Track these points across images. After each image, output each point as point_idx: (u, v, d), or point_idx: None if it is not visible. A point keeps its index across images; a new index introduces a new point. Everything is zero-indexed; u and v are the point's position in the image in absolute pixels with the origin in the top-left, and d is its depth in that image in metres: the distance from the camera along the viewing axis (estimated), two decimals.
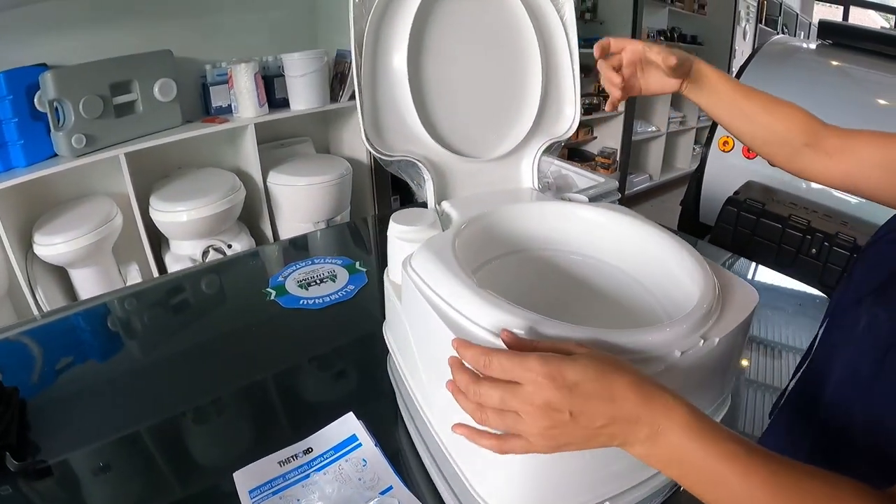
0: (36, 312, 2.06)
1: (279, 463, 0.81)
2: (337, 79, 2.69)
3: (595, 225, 0.89)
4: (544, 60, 0.97)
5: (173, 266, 2.38)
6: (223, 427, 0.95)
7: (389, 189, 2.90)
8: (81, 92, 2.06)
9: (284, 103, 2.62)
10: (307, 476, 0.79)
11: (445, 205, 0.90)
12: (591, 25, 4.36)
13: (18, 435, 0.87)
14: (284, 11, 2.75)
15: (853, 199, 2.16)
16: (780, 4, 7.53)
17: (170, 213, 2.25)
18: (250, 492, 0.76)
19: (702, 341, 0.60)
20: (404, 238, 0.79)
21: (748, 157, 2.70)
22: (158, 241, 2.48)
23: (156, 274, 2.40)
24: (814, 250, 2.14)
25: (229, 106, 2.51)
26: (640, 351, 0.57)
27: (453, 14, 0.89)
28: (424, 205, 0.93)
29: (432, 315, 0.62)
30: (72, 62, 2.14)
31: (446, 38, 0.89)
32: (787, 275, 1.42)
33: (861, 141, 0.77)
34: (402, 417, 0.88)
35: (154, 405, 0.98)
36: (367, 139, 0.83)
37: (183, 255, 2.38)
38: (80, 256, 2.09)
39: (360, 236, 1.78)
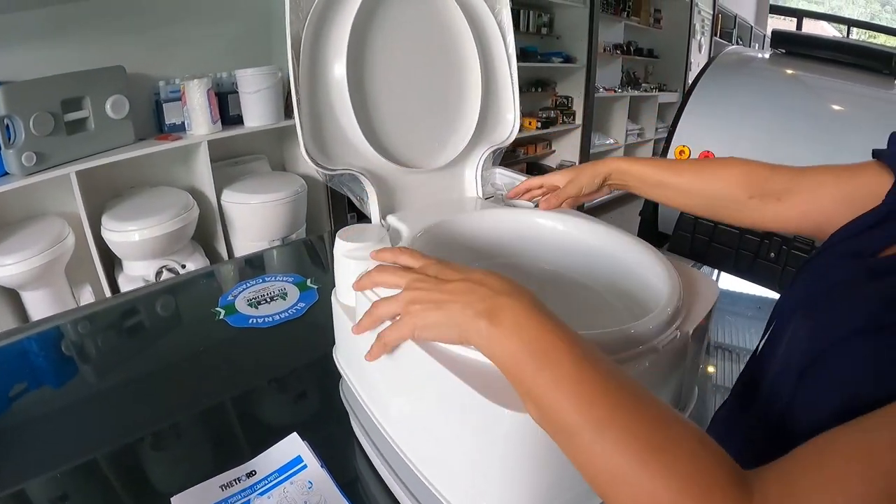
0: None
1: (221, 487, 0.78)
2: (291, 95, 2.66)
3: (552, 231, 0.89)
4: (483, 66, 0.97)
5: (126, 287, 2.34)
6: (164, 451, 0.92)
7: (345, 206, 2.89)
8: (32, 108, 2.02)
9: (238, 120, 2.60)
10: (249, 501, 0.76)
11: (391, 218, 0.88)
12: (548, 40, 4.43)
13: None
14: (239, 26, 2.73)
15: None
16: (735, 17, 7.75)
17: (122, 233, 2.21)
18: None
19: (678, 333, 0.61)
20: (353, 256, 0.75)
21: None
22: (112, 262, 2.43)
23: (109, 296, 2.35)
24: (772, 254, 2.18)
25: (183, 123, 2.48)
26: (625, 345, 0.58)
27: (392, 20, 0.88)
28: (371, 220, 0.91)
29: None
30: (23, 78, 2.10)
31: (386, 45, 0.89)
32: (746, 279, 1.44)
33: (815, 177, 0.77)
34: (356, 440, 0.86)
35: (97, 431, 0.94)
36: (307, 153, 0.82)
37: (136, 275, 2.34)
38: (32, 278, 2.04)
39: (315, 253, 1.76)
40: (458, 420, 0.56)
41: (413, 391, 0.63)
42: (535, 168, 4.71)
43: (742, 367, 1.05)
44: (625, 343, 0.57)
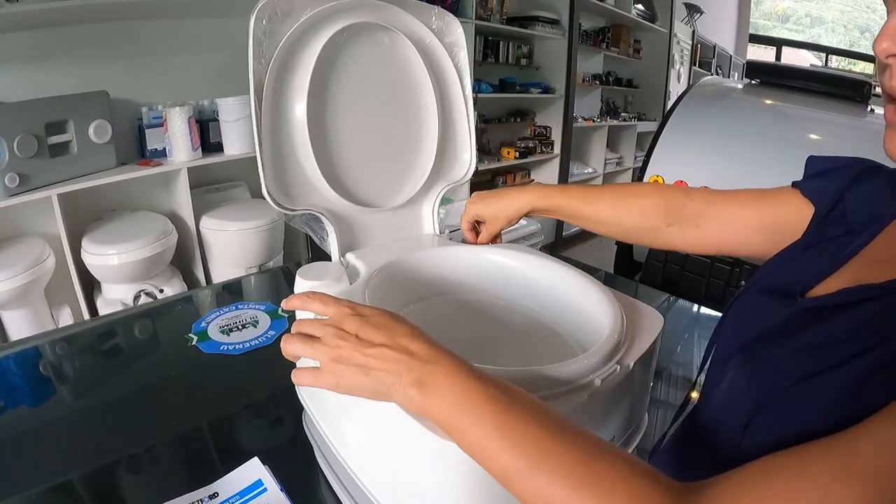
0: None
1: None
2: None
3: (503, 266, 0.94)
4: (440, 107, 1.03)
5: (105, 310, 2.36)
6: (132, 472, 0.95)
7: None
8: (17, 130, 2.04)
9: (219, 147, 2.63)
10: None
11: (350, 256, 0.92)
12: (527, 71, 4.52)
13: None
14: (220, 56, 2.78)
15: None
16: (714, 47, 7.88)
17: (101, 256, 2.23)
18: None
19: (618, 367, 0.65)
20: (312, 282, 0.81)
21: None
22: (91, 285, 2.45)
23: (87, 318, 2.37)
24: (742, 282, 2.22)
25: (164, 149, 2.52)
26: (564, 382, 0.61)
27: (352, 63, 0.93)
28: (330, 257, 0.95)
29: None
30: (6, 99, 2.13)
31: (346, 87, 0.93)
32: (715, 309, 1.47)
33: (733, 205, 0.80)
34: (318, 468, 0.90)
35: (69, 452, 0.97)
36: (269, 194, 0.86)
37: (114, 298, 2.36)
38: (12, 298, 2.06)
39: (291, 281, 1.80)
40: (409, 453, 0.61)
41: (369, 425, 0.67)
42: None
43: None
44: (563, 379, 0.61)
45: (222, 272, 2.62)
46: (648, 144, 3.17)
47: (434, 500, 0.60)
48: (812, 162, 0.74)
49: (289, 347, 0.60)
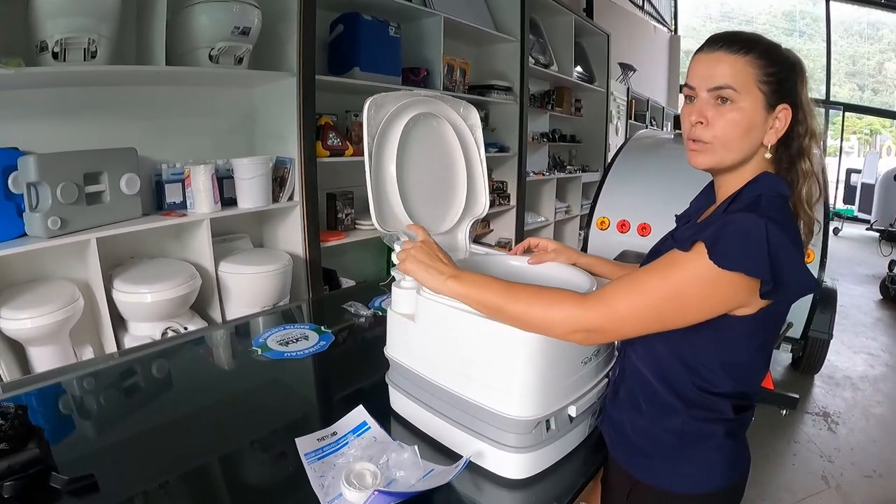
0: None
1: (317, 439, 1.19)
2: (276, 182, 2.99)
3: (521, 265, 1.37)
4: (467, 166, 1.46)
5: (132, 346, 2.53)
6: (287, 421, 1.34)
7: (321, 279, 3.21)
8: (60, 177, 2.24)
9: (232, 202, 2.87)
10: (336, 449, 1.17)
11: None
12: (485, 133, 4.70)
13: None
14: (224, 120, 3.06)
15: None
16: (648, 101, 8.34)
17: (135, 295, 2.45)
18: (306, 455, 1.14)
19: None
20: (406, 287, 1.23)
21: (622, 232, 3.28)
22: (114, 326, 2.58)
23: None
24: None
25: (182, 202, 2.75)
26: None
27: (416, 138, 1.36)
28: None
29: (453, 314, 1.10)
30: (39, 149, 2.31)
31: (413, 153, 1.36)
32: None
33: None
34: (392, 412, 1.31)
35: (215, 431, 1.35)
36: (377, 221, 1.27)
37: (143, 335, 2.55)
38: (46, 333, 2.21)
39: (303, 314, 2.23)
40: (489, 349, 1.06)
41: (459, 344, 1.11)
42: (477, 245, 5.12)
43: None
44: None
45: (238, 312, 2.83)
46: (592, 193, 3.58)
47: (507, 377, 1.06)
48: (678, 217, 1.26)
49: (400, 260, 1.13)
